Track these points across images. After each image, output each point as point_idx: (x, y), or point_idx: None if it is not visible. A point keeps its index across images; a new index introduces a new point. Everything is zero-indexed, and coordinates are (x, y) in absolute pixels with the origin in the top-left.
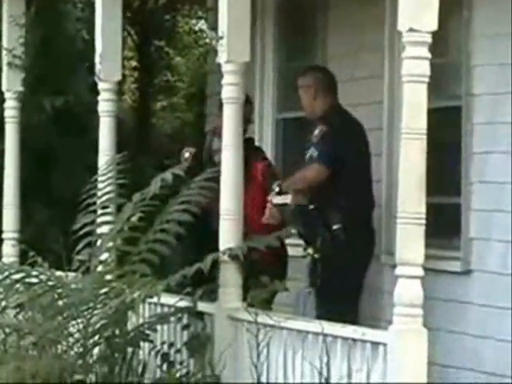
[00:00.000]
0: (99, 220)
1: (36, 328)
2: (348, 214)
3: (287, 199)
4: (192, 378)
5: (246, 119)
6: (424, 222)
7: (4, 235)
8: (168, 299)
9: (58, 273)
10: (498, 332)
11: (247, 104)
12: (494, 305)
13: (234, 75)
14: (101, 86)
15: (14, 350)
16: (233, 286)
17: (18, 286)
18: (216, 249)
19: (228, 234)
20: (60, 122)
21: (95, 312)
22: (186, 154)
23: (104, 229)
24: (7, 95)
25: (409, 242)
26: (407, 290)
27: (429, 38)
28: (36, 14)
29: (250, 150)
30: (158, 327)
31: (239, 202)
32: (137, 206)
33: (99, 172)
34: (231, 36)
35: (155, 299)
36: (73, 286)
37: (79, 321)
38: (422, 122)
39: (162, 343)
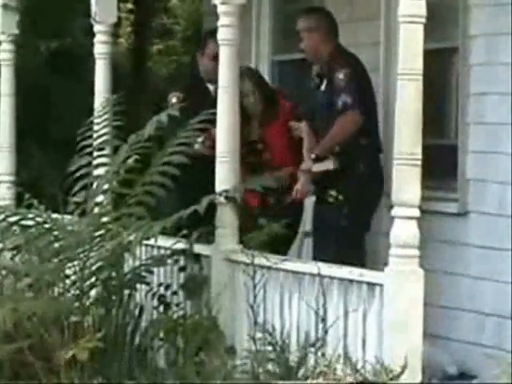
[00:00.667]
0: (95, 162)
1: (32, 270)
2: (368, 156)
3: (329, 164)
4: (189, 320)
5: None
6: (420, 162)
7: (0, 178)
8: (165, 241)
9: (54, 215)
10: (495, 273)
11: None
12: (491, 246)
13: (230, 17)
14: (96, 28)
15: (11, 291)
16: (229, 228)
17: (14, 228)
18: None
19: (224, 176)
20: (56, 65)
21: (91, 254)
22: (173, 99)
23: (100, 171)
24: (2, 38)
25: (405, 183)
26: (403, 231)
27: None
28: None
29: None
30: (155, 269)
31: (235, 143)
32: (132, 148)
33: (95, 114)
34: None
35: (152, 241)
36: (69, 228)
37: (75, 263)
38: (418, 63)
39: (159, 285)
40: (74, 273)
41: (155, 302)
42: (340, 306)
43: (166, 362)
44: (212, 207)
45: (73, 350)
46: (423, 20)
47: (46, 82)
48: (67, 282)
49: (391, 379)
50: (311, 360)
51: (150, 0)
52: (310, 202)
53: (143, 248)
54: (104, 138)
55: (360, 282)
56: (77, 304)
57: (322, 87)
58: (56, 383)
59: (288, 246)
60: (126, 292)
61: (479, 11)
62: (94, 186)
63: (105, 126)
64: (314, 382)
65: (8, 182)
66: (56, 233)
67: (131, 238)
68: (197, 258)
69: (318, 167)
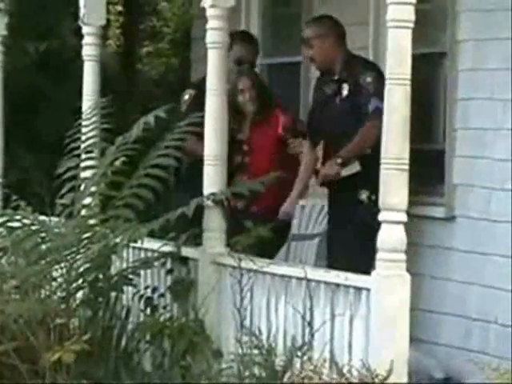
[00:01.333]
0: (83, 164)
1: (19, 272)
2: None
3: (357, 166)
4: (175, 323)
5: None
6: (407, 167)
7: None
8: (152, 244)
9: (42, 217)
10: (480, 278)
11: (254, 47)
12: (477, 250)
13: (219, 20)
14: (85, 30)
15: None
16: (217, 231)
17: (0, 230)
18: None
19: (212, 179)
20: (44, 66)
21: (78, 256)
22: (186, 96)
23: (88, 173)
24: None
25: (392, 187)
26: (390, 236)
27: None
28: None
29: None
30: (142, 272)
31: (223, 147)
32: (120, 150)
33: (83, 116)
34: None
35: (139, 244)
36: (56, 230)
37: (62, 265)
38: (406, 68)
39: (146, 288)
40: (61, 275)
41: (142, 305)
42: (327, 310)
43: (152, 364)
44: (200, 210)
45: (59, 352)
46: (411, 25)
47: (35, 83)
48: (54, 284)
49: None
50: (297, 364)
51: (139, 2)
52: (301, 206)
53: (130, 250)
54: (92, 140)
55: (347, 286)
56: (63, 306)
57: (344, 92)
58: None
59: (276, 249)
60: (113, 294)
61: (467, 17)
62: (82, 188)
63: (93, 129)
64: None
65: None
66: (43, 235)
67: (118, 240)
68: (184, 260)
69: (347, 171)
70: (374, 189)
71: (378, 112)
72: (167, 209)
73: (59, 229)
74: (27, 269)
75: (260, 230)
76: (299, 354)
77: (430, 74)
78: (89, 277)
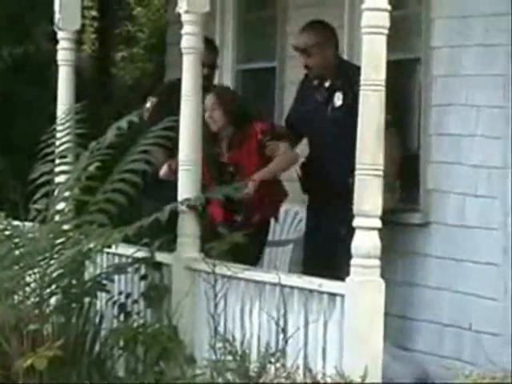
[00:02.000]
0: (57, 169)
1: None
2: None
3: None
4: (149, 329)
5: (212, 65)
6: (382, 173)
7: None
8: (126, 249)
9: (15, 222)
10: (454, 284)
11: (213, 50)
12: (451, 257)
13: (194, 25)
14: (60, 35)
15: None
16: (191, 237)
17: None
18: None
19: (186, 185)
20: (19, 71)
21: (52, 262)
22: (147, 104)
23: (62, 178)
24: None
25: (366, 193)
26: (365, 242)
27: None
28: None
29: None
30: (116, 277)
31: (198, 152)
32: (94, 155)
33: (57, 121)
34: None
35: (113, 249)
36: (30, 235)
37: (36, 270)
38: (381, 74)
39: (119, 293)
40: (34, 280)
41: (116, 311)
42: (301, 316)
43: (125, 370)
44: (174, 216)
45: (31, 358)
46: (386, 31)
47: (9, 88)
48: (27, 289)
49: None
50: (271, 370)
51: (114, 7)
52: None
53: (104, 256)
54: (66, 145)
55: (321, 292)
56: (36, 312)
57: (337, 102)
58: None
59: (251, 255)
60: (87, 300)
61: (442, 23)
62: (56, 193)
63: (67, 134)
64: None
65: None
66: (16, 240)
67: (92, 245)
68: (158, 266)
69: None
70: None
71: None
72: (138, 214)
73: (33, 234)
74: (0, 274)
75: (235, 236)
76: (273, 360)
77: (404, 80)
78: (62, 282)
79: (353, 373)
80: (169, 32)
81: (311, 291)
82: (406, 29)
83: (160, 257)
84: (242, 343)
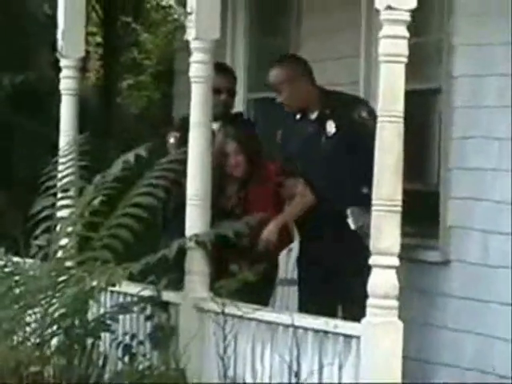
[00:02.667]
0: (59, 203)
1: None
2: None
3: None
4: (155, 372)
5: (230, 91)
6: (400, 209)
7: None
8: (131, 288)
9: (15, 259)
10: (477, 325)
11: (229, 74)
12: (473, 297)
13: (203, 53)
14: (63, 62)
15: None
16: (199, 275)
17: None
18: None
19: (195, 220)
20: (20, 100)
21: (53, 301)
22: (171, 140)
23: (64, 213)
24: None
25: (384, 230)
26: (382, 281)
27: (408, 16)
28: None
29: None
30: (120, 317)
31: (207, 185)
32: (98, 189)
33: (60, 153)
34: (200, 12)
35: (117, 287)
36: (30, 272)
37: (36, 310)
38: (399, 105)
39: (124, 334)
40: (35, 320)
41: (120, 352)
42: (315, 358)
43: None
44: (182, 252)
45: None
46: (405, 60)
47: (9, 118)
48: (27, 329)
49: None
50: None
51: (119, 33)
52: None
53: (108, 294)
54: (69, 178)
55: (336, 334)
56: (37, 353)
57: (331, 130)
58: None
59: (261, 294)
60: (90, 341)
61: (464, 51)
62: (58, 228)
63: (70, 166)
64: None
65: None
66: (17, 277)
67: (95, 283)
68: (165, 306)
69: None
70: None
71: None
72: (152, 251)
73: (34, 271)
74: None
75: (246, 274)
76: None
77: (424, 110)
78: (64, 322)
79: None
80: (177, 59)
81: (326, 333)
82: (425, 57)
83: (167, 296)
84: None
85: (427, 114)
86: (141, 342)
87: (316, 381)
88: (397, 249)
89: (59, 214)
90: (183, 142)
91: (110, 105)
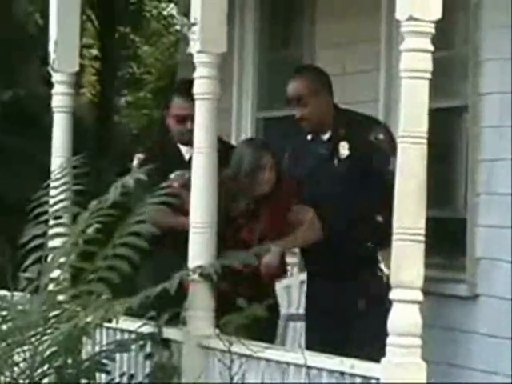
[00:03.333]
0: (51, 232)
1: None
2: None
3: None
4: None
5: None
6: (423, 238)
7: None
8: (129, 324)
9: (3, 292)
10: (507, 367)
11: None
12: (502, 335)
13: (208, 67)
14: (55, 77)
15: None
16: (204, 310)
17: None
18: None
19: (199, 250)
20: (8, 119)
21: (44, 338)
22: (134, 162)
23: (56, 242)
24: None
25: (406, 261)
26: (403, 317)
27: (431, 28)
28: None
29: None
30: (117, 356)
31: (212, 212)
32: (93, 216)
33: (52, 176)
34: (205, 23)
35: (114, 324)
36: (19, 307)
37: (26, 348)
38: (422, 125)
39: (122, 375)
40: (24, 359)
41: None
42: None
43: None
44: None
45: None
46: (428, 75)
47: None
48: (16, 369)
49: None
50: None
51: (117, 46)
52: (295, 281)
53: (104, 331)
54: (62, 204)
55: (353, 375)
56: None
57: (344, 152)
58: None
59: (268, 330)
60: (84, 382)
61: (492, 66)
62: (49, 259)
63: (63, 191)
64: None
65: None
66: (4, 313)
67: (90, 319)
68: (166, 343)
69: None
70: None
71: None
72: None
73: (23, 306)
74: None
75: (255, 308)
76: None
77: (449, 131)
78: (56, 362)
79: None
80: (180, 74)
81: (342, 373)
82: (451, 72)
83: (168, 332)
84: None
85: (453, 135)
86: (140, 383)
87: None
88: (420, 282)
89: (51, 243)
90: (150, 163)
91: (107, 123)
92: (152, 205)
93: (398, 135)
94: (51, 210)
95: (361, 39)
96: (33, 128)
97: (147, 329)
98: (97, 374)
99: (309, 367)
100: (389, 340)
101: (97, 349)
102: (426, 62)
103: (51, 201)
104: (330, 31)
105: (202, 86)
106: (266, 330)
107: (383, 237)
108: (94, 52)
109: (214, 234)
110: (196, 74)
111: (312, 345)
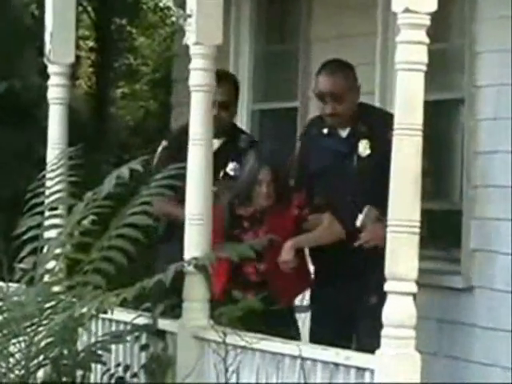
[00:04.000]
0: (46, 223)
1: None
2: None
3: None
4: None
5: (227, 104)
6: (418, 230)
7: None
8: (124, 315)
9: None
10: (502, 358)
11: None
12: (499, 327)
13: (204, 59)
14: (51, 69)
15: None
16: (199, 301)
17: None
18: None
19: (194, 241)
20: (4, 110)
21: (40, 329)
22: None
23: (52, 233)
24: None
25: (401, 253)
26: (398, 309)
27: (427, 20)
28: None
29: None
30: (113, 347)
31: (208, 204)
32: (89, 207)
33: (48, 168)
34: (201, 14)
35: (109, 315)
36: (15, 298)
37: (21, 339)
38: (417, 117)
39: (117, 365)
40: (19, 350)
41: None
42: None
43: None
44: (180, 277)
45: None
46: (424, 67)
47: None
48: (11, 360)
49: None
50: None
51: (113, 38)
52: None
53: (99, 322)
54: (57, 195)
55: (347, 367)
56: None
57: (365, 151)
58: None
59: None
60: (79, 373)
61: (488, 58)
62: (45, 250)
63: (59, 182)
64: None
65: None
66: None
67: (86, 310)
68: (161, 334)
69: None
70: None
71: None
72: (147, 275)
73: (18, 297)
74: None
75: (251, 301)
76: None
77: (445, 123)
78: (51, 353)
79: None
80: (175, 66)
81: (337, 365)
82: (446, 65)
83: (163, 324)
84: None
85: (449, 127)
86: (135, 374)
87: None
88: (414, 274)
89: (46, 234)
90: (169, 152)
91: (103, 115)
92: (149, 195)
93: (393, 127)
94: (47, 201)
95: (357, 31)
96: (28, 120)
97: (142, 320)
98: (92, 365)
99: (303, 358)
100: (383, 332)
101: (92, 340)
102: (421, 54)
103: (47, 192)
104: (326, 25)
105: (197, 77)
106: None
107: None
108: (90, 43)
109: (210, 225)
110: (192, 66)
111: (316, 337)
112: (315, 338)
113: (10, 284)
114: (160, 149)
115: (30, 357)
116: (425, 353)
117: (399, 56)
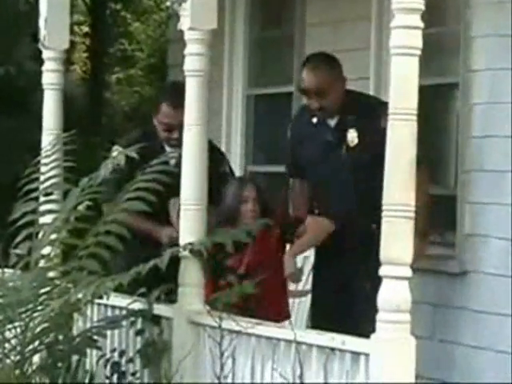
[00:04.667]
0: (42, 208)
1: None
2: None
3: None
4: None
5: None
6: (413, 215)
7: None
8: (120, 300)
9: None
10: (496, 342)
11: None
12: (492, 311)
13: (199, 44)
14: (46, 54)
15: None
16: (194, 286)
17: None
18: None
19: (189, 227)
20: None
21: (35, 314)
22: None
23: (47, 218)
24: None
25: (396, 238)
26: (393, 293)
27: (422, 5)
28: None
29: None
30: (108, 332)
31: (203, 189)
32: (84, 193)
33: (42, 153)
34: None
35: (105, 300)
36: (10, 284)
37: (16, 324)
38: (412, 101)
39: (112, 351)
40: (15, 336)
41: (108, 371)
42: (319, 377)
43: None
44: (175, 262)
45: None
46: (418, 52)
47: None
48: (6, 346)
49: None
50: None
51: (108, 23)
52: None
53: (95, 308)
54: (52, 180)
55: (343, 351)
56: (17, 372)
57: (352, 140)
58: None
59: None
60: (75, 358)
61: (483, 42)
62: (40, 235)
63: (54, 168)
64: None
65: None
66: None
67: (81, 295)
68: (156, 319)
69: None
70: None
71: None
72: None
73: (14, 282)
74: None
75: (246, 286)
76: None
77: (439, 108)
78: (47, 338)
79: None
80: (170, 51)
81: (332, 349)
82: (441, 49)
83: (159, 309)
84: None
85: (443, 112)
86: (130, 360)
87: None
88: (409, 258)
89: (41, 219)
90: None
91: (98, 100)
92: (145, 181)
93: (388, 112)
94: (42, 186)
95: (351, 17)
96: (23, 105)
97: (138, 305)
98: (88, 350)
99: (299, 343)
100: (378, 316)
101: (88, 325)
102: (416, 39)
103: (42, 177)
104: (320, 10)
105: (192, 62)
106: None
107: None
108: (85, 29)
109: (205, 210)
110: (186, 51)
111: (316, 322)
112: (316, 322)
113: (6, 270)
114: (115, 153)
115: (26, 342)
116: (419, 337)
117: (394, 41)
